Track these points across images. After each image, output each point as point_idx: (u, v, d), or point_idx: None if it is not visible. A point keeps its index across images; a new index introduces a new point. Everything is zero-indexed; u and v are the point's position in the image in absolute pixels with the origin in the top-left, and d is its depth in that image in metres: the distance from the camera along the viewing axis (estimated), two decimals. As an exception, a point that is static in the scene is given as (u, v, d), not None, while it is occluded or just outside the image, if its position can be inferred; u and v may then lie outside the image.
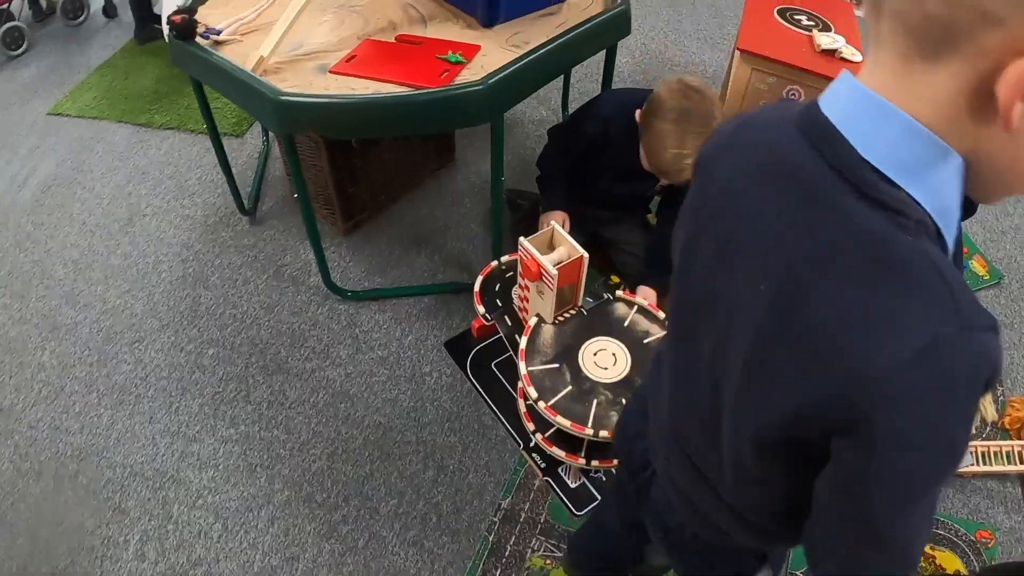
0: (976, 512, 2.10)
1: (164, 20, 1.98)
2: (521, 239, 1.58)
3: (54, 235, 2.65)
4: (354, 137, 2.20)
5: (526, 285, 1.64)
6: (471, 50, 1.94)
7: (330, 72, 1.86)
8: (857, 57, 2.31)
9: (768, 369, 0.70)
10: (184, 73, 2.18)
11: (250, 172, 2.81)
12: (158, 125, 3.11)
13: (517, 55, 1.90)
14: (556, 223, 1.67)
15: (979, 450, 2.26)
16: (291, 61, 1.91)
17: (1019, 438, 2.34)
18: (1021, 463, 2.25)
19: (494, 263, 1.83)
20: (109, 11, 3.93)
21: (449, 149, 2.81)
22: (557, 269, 1.53)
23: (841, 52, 2.30)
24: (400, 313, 2.33)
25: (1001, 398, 2.50)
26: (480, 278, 1.79)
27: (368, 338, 2.27)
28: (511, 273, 1.81)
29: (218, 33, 1.97)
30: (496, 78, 1.79)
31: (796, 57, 2.26)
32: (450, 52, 1.90)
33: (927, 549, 1.99)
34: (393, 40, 2.01)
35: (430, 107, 1.75)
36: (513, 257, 1.80)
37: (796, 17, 2.53)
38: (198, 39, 1.96)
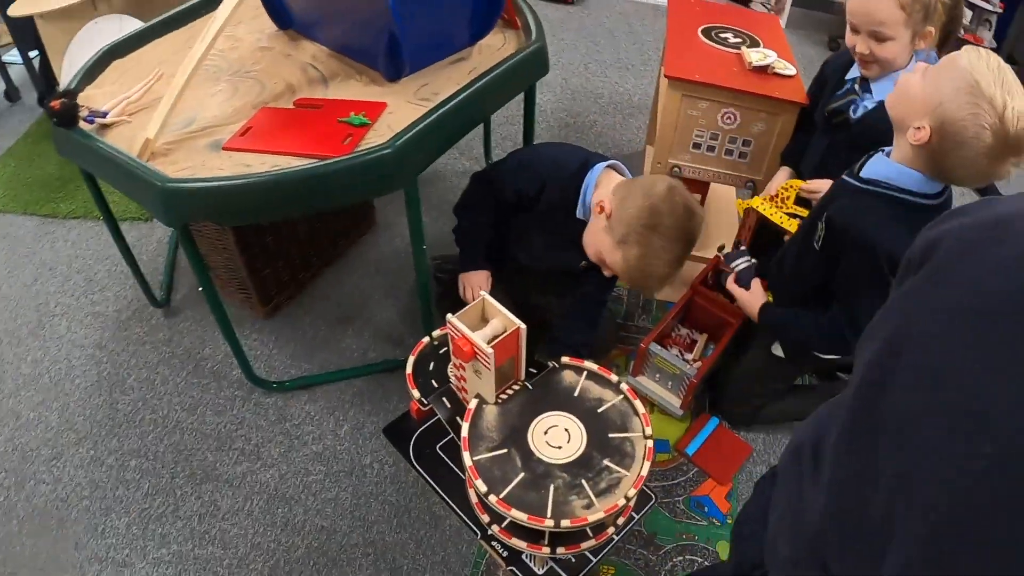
0: None
1: None
2: (449, 317, 1.40)
3: (-39, 346, 2.43)
4: (253, 222, 2.02)
5: (461, 364, 1.47)
6: (376, 109, 1.79)
7: (223, 149, 1.69)
8: (790, 71, 2.20)
9: (961, 545, 0.58)
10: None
11: (161, 258, 2.62)
12: (64, 215, 2.90)
13: (427, 109, 1.75)
14: (483, 291, 1.50)
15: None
16: (182, 140, 1.73)
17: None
18: None
19: (425, 339, 1.65)
20: (11, 95, 3.72)
21: (368, 214, 2.66)
22: (493, 347, 1.37)
23: (774, 67, 2.18)
24: (332, 400, 2.15)
25: None
26: (411, 358, 1.61)
27: (300, 432, 2.09)
28: (445, 348, 1.64)
29: (104, 115, 1.78)
30: (404, 139, 1.64)
31: (727, 78, 2.14)
32: (352, 114, 1.75)
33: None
34: (292, 105, 1.85)
35: (333, 180, 1.59)
36: (446, 331, 1.64)
37: (722, 36, 2.41)
38: (82, 124, 1.77)
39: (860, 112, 1.99)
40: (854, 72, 2.02)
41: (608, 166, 1.90)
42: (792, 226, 2.03)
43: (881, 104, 1.86)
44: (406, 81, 1.93)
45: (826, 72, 2.16)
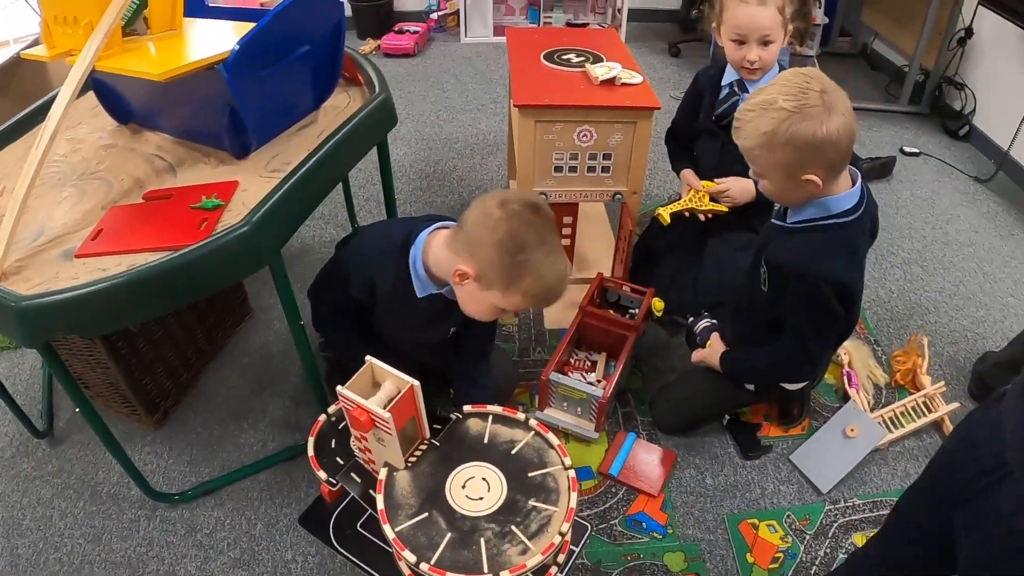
0: (908, 477, 2.15)
1: None
2: (340, 389, 1.36)
3: None
4: (119, 328, 1.92)
5: (362, 436, 1.42)
6: (228, 189, 1.73)
7: (76, 257, 1.60)
8: (637, 79, 2.26)
9: None
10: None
11: (38, 386, 2.46)
12: (-71, 358, 2.72)
13: (279, 180, 1.70)
14: (374, 360, 1.45)
15: (886, 417, 2.28)
16: (33, 254, 1.63)
17: (915, 388, 2.40)
18: (929, 412, 2.31)
19: (322, 417, 1.60)
20: None
21: (242, 301, 2.58)
22: (390, 411, 1.32)
23: (620, 78, 2.25)
24: (240, 501, 2.05)
25: (883, 357, 2.53)
26: (311, 439, 1.55)
27: (214, 541, 1.97)
28: (344, 423, 1.59)
29: (-51, 241, 1.67)
30: (260, 213, 1.58)
31: (576, 96, 2.18)
32: (204, 197, 1.68)
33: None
34: (141, 200, 1.77)
35: (194, 268, 1.51)
36: (341, 405, 1.59)
37: (564, 57, 2.46)
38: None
39: None
40: (728, 78, 2.28)
41: (432, 230, 1.83)
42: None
43: None
44: (256, 155, 1.89)
45: (699, 84, 2.39)
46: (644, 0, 5.39)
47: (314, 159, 1.78)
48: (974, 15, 3.98)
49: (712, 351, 2.11)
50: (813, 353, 1.88)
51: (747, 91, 2.24)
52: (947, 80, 4.30)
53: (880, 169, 3.70)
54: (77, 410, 1.75)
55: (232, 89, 1.72)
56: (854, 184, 1.71)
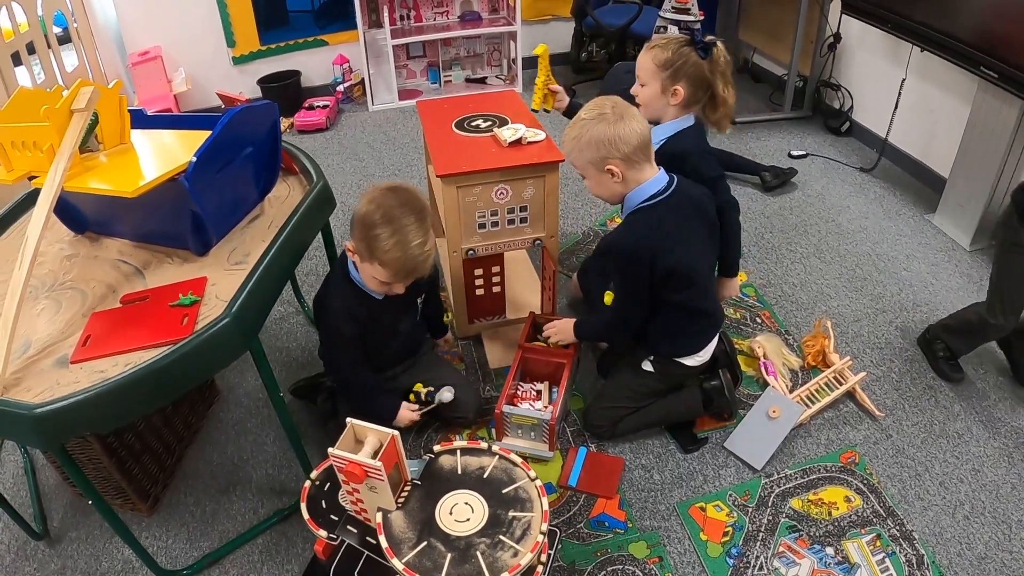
0: (831, 444, 2.39)
1: None
2: (331, 451, 1.54)
3: None
4: (126, 423, 2.04)
5: (355, 489, 1.61)
6: (200, 285, 1.90)
7: (72, 363, 1.71)
8: (540, 136, 2.52)
9: None
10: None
11: (24, 492, 2.52)
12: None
13: (246, 272, 1.89)
14: (349, 418, 1.64)
15: (804, 395, 2.53)
16: (26, 366, 1.72)
17: (826, 366, 2.65)
18: (840, 384, 2.56)
19: (307, 482, 1.76)
20: None
21: (210, 384, 2.73)
22: (380, 459, 1.52)
23: (526, 137, 2.50)
24: (243, 567, 2.16)
25: (795, 344, 2.77)
26: (303, 505, 1.71)
27: (226, 607, 2.09)
28: (329, 483, 1.76)
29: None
30: (239, 303, 1.77)
31: (489, 161, 2.42)
32: (181, 295, 1.85)
33: (811, 496, 2.22)
34: (119, 304, 1.90)
35: (188, 359, 1.67)
36: (323, 468, 1.77)
37: (474, 124, 2.70)
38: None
39: None
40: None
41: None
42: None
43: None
44: (216, 251, 2.04)
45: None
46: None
47: (274, 249, 1.97)
48: (839, 22, 4.28)
49: (564, 326, 2.46)
50: (628, 312, 2.27)
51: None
52: (824, 83, 4.62)
53: (787, 174, 3.98)
54: (90, 502, 1.85)
55: (193, 196, 1.88)
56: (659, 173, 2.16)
